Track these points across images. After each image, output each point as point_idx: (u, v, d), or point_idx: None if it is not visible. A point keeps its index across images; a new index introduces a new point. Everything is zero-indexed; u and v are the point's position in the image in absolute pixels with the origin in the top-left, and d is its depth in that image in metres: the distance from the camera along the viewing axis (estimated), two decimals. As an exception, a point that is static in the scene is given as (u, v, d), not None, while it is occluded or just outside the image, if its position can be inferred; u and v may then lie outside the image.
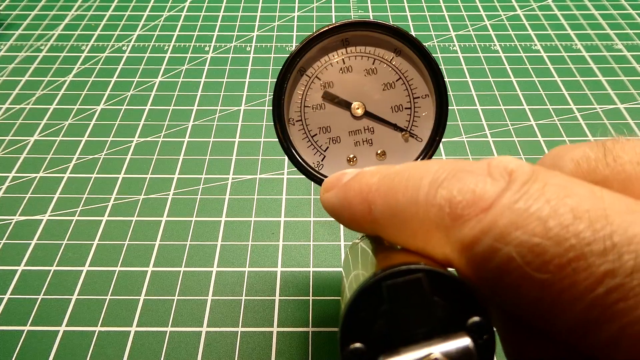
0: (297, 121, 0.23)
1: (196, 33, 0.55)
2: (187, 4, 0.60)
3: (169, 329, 0.30)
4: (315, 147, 0.23)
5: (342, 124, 0.23)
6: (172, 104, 0.46)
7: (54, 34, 0.55)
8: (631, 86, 0.48)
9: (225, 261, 0.34)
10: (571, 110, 0.45)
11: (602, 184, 0.13)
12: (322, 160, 0.23)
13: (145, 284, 0.32)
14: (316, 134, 0.23)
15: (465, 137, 0.43)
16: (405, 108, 0.22)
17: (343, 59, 0.22)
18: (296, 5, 0.60)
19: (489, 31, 0.55)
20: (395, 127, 0.22)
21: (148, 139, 0.43)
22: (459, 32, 0.55)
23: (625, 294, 0.10)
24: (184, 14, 0.59)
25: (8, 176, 0.40)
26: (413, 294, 0.14)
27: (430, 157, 0.22)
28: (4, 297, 0.32)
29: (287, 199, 0.38)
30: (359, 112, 0.22)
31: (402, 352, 0.13)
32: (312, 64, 0.22)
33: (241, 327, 0.30)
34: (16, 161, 0.41)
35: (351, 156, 0.23)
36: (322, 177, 0.23)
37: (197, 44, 0.54)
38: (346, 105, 0.22)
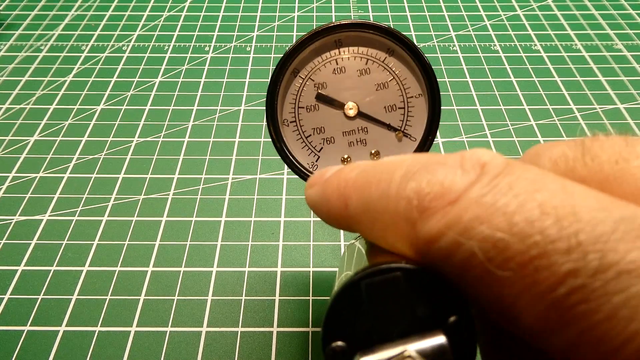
0: (291, 122, 0.23)
1: (196, 33, 0.55)
2: (187, 4, 0.60)
3: (169, 329, 0.30)
4: (309, 148, 0.23)
5: (336, 124, 0.23)
6: (172, 104, 0.46)
7: (54, 34, 0.55)
8: (631, 86, 0.48)
9: (225, 261, 0.34)
10: (571, 110, 0.45)
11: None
12: (316, 161, 0.23)
13: (145, 284, 0.32)
14: (310, 135, 0.23)
15: (465, 137, 0.43)
16: (399, 108, 0.22)
17: (336, 60, 0.22)
18: (296, 5, 0.60)
19: (489, 31, 0.55)
20: (389, 127, 0.22)
21: (148, 139, 0.43)
22: (459, 32, 0.55)
23: (587, 296, 0.09)
24: (184, 14, 0.59)
25: (8, 176, 0.40)
26: (391, 293, 0.14)
27: None
28: (4, 297, 0.32)
29: (287, 199, 0.38)
30: (353, 112, 0.22)
31: (377, 350, 0.13)
32: (306, 65, 0.23)
33: (241, 327, 0.30)
34: (16, 161, 0.41)
35: (345, 156, 0.23)
36: None
37: (197, 44, 0.54)
38: (339, 105, 0.22)
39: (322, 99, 0.23)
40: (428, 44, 0.53)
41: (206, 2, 0.61)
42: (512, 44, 0.53)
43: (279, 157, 0.23)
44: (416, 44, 0.21)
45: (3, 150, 0.42)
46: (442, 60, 0.51)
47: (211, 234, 0.35)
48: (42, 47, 0.53)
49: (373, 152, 0.23)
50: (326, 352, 0.14)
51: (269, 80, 0.22)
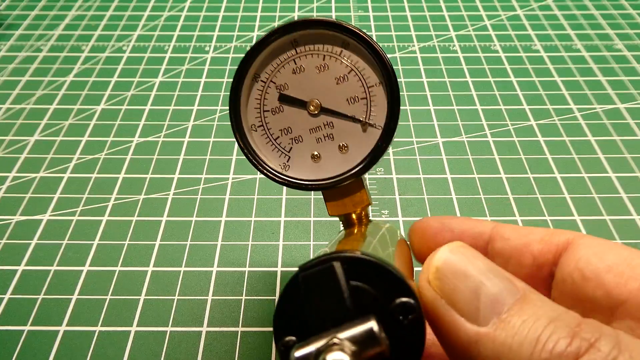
0: (258, 127, 0.23)
1: (196, 33, 0.55)
2: (187, 4, 0.60)
3: (169, 329, 0.30)
4: (279, 150, 0.23)
5: (302, 123, 0.23)
6: (172, 104, 0.46)
7: (54, 34, 0.55)
8: (631, 86, 0.48)
9: (226, 261, 0.34)
10: (571, 110, 0.45)
11: None
12: (287, 162, 0.23)
13: (145, 284, 0.32)
14: (278, 137, 0.23)
15: (465, 137, 0.43)
16: (361, 98, 0.22)
17: (294, 60, 0.23)
18: (296, 5, 0.60)
19: (489, 31, 0.55)
20: (352, 119, 0.22)
21: (148, 139, 0.43)
22: (459, 32, 0.55)
23: None
24: (184, 14, 0.59)
25: (8, 176, 0.40)
26: (327, 283, 0.14)
27: (387, 144, 0.22)
28: (4, 297, 0.32)
29: (287, 199, 0.38)
30: (315, 109, 0.23)
31: (312, 341, 0.13)
32: (265, 68, 0.23)
33: (241, 327, 0.30)
34: (16, 161, 0.41)
35: (315, 153, 0.23)
36: (289, 179, 0.23)
37: (197, 44, 0.54)
38: (302, 104, 0.23)
39: (284, 99, 0.23)
40: (428, 44, 0.53)
41: (206, 2, 0.61)
42: (512, 44, 0.53)
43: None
44: (367, 33, 0.21)
45: (3, 150, 0.42)
46: (442, 60, 0.51)
47: (211, 234, 0.35)
48: (42, 47, 0.53)
49: (341, 145, 0.23)
50: (278, 347, 0.14)
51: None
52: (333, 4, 0.60)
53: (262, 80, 0.23)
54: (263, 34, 0.22)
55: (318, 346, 0.13)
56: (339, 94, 0.22)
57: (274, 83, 0.23)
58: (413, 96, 0.47)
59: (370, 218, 0.24)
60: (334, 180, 0.23)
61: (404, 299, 0.14)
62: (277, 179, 0.23)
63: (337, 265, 0.14)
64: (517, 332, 0.12)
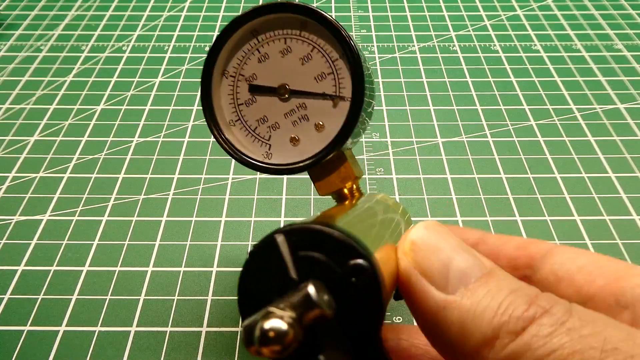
0: (236, 121, 0.24)
1: (196, 33, 0.55)
2: (187, 4, 0.60)
3: (168, 329, 0.30)
4: (259, 140, 0.24)
5: (276, 109, 0.23)
6: (172, 104, 0.46)
7: (54, 34, 0.55)
8: (631, 86, 0.48)
9: (226, 261, 0.34)
10: (571, 110, 0.45)
11: None
12: (269, 150, 0.24)
13: (145, 284, 0.32)
14: (256, 127, 0.24)
15: (465, 137, 0.43)
16: (328, 74, 0.22)
17: (257, 49, 0.23)
18: (296, 5, 0.60)
19: (489, 31, 0.55)
20: (322, 95, 0.22)
21: (148, 139, 0.43)
22: (459, 32, 0.55)
23: None
24: (184, 14, 0.59)
25: (8, 176, 0.40)
26: (271, 257, 0.14)
27: (357, 114, 0.22)
28: (4, 297, 0.32)
29: (287, 199, 0.38)
30: (285, 93, 0.23)
31: (254, 316, 0.13)
32: (231, 63, 0.23)
33: (241, 327, 0.30)
34: (16, 161, 0.41)
35: (293, 136, 0.23)
36: (272, 166, 0.23)
37: (197, 44, 0.54)
38: (272, 91, 0.23)
39: (255, 90, 0.23)
40: (428, 44, 0.53)
41: (206, 2, 0.61)
42: (512, 44, 0.53)
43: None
44: (318, 8, 0.21)
45: (3, 150, 0.42)
46: (442, 60, 0.51)
47: (211, 234, 0.35)
48: (42, 47, 0.53)
49: (316, 124, 0.23)
50: (244, 330, 0.14)
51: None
52: (333, 4, 0.60)
53: (231, 75, 0.23)
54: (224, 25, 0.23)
55: (257, 318, 0.13)
56: (306, 74, 0.22)
57: (243, 76, 0.23)
58: (413, 96, 0.47)
59: (369, 193, 0.24)
60: (315, 158, 0.22)
61: (354, 261, 0.14)
62: (260, 168, 0.23)
63: (280, 238, 0.14)
64: (481, 300, 0.14)
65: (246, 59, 0.23)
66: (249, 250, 0.15)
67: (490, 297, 0.14)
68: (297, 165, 0.23)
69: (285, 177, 0.39)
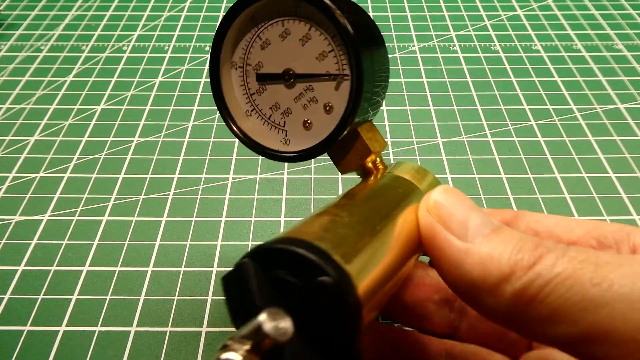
0: (252, 111, 0.24)
1: (196, 33, 0.55)
2: (187, 4, 0.60)
3: (168, 329, 0.30)
4: (275, 127, 0.24)
5: (285, 95, 0.23)
6: (172, 104, 0.46)
7: (54, 34, 0.55)
8: (631, 86, 0.48)
9: (226, 261, 0.34)
10: (571, 110, 0.45)
11: None
12: (286, 136, 0.24)
13: (145, 284, 0.32)
14: (271, 115, 0.24)
15: (465, 137, 0.43)
16: (329, 52, 0.22)
17: (259, 36, 0.23)
18: (296, 5, 0.60)
19: (489, 31, 0.55)
20: (326, 75, 0.22)
21: (148, 139, 0.43)
22: (459, 32, 0.55)
23: None
24: (184, 14, 0.59)
25: (8, 176, 0.40)
26: (240, 282, 0.14)
27: (360, 87, 0.21)
28: (4, 297, 0.32)
29: (287, 199, 0.38)
30: (290, 78, 0.23)
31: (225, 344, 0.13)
32: (237, 54, 0.23)
33: None
34: (16, 161, 0.41)
35: (305, 119, 0.23)
36: (293, 154, 0.23)
37: (197, 44, 0.54)
38: (278, 77, 0.23)
39: (262, 78, 0.23)
40: (428, 44, 0.53)
41: (206, 2, 0.61)
42: (512, 44, 0.53)
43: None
44: None
45: (3, 150, 0.42)
46: (442, 60, 0.51)
47: (211, 234, 0.35)
48: (42, 47, 0.53)
49: (325, 104, 0.23)
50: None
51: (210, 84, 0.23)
52: (333, 4, 0.60)
53: (239, 66, 0.23)
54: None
55: (217, 350, 0.13)
56: (307, 54, 0.22)
57: (250, 65, 0.23)
58: (413, 96, 0.47)
59: (395, 163, 0.24)
60: (329, 140, 0.22)
61: (319, 279, 0.14)
62: (282, 157, 0.23)
63: (248, 263, 0.14)
64: (497, 246, 0.16)
65: (250, 47, 0.23)
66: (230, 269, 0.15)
67: (505, 243, 0.16)
68: (314, 149, 0.23)
69: (285, 177, 0.39)
